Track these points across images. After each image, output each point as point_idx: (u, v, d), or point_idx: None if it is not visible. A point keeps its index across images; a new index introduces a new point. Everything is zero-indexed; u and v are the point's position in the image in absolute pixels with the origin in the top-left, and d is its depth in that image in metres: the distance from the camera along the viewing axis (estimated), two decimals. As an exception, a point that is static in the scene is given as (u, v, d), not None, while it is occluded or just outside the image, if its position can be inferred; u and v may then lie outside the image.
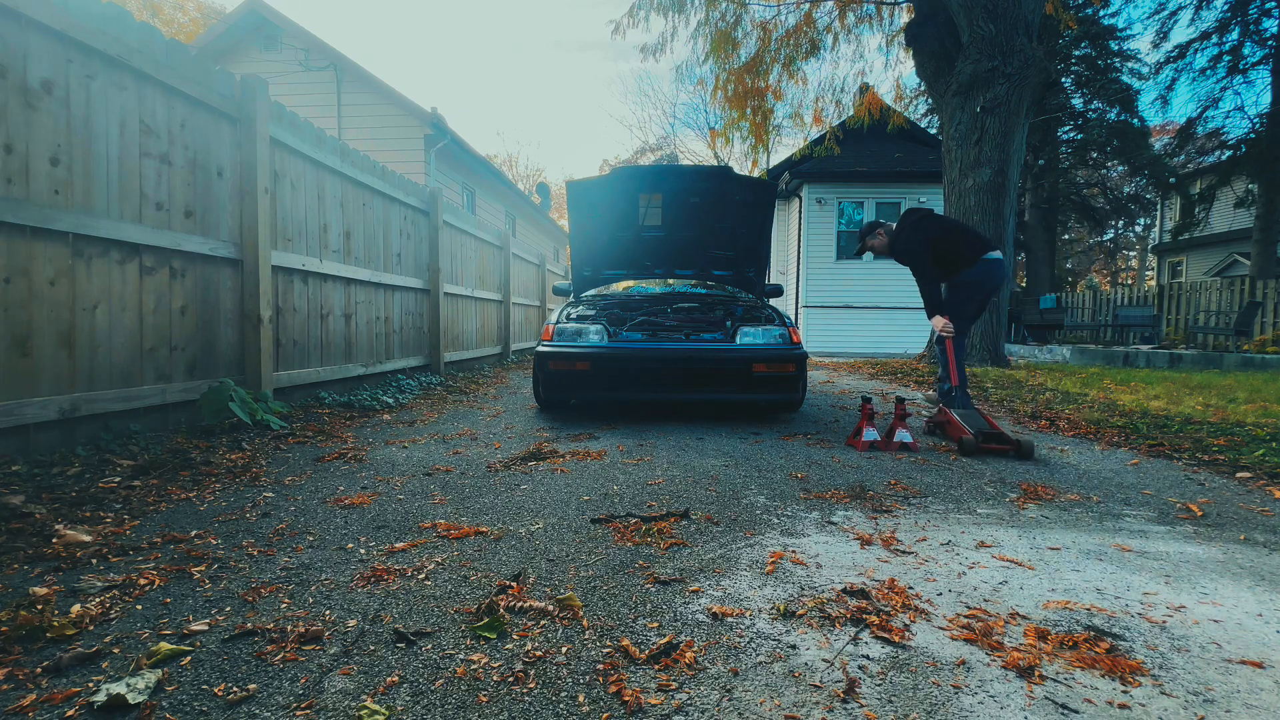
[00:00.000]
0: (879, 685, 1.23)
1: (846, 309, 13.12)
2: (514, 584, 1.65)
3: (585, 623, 1.47)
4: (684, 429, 4.11)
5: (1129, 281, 38.68)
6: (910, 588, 1.68)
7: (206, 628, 1.42)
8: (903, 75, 41.64)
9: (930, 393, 5.16)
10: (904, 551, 1.96)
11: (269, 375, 3.93)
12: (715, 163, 20.32)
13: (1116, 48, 19.34)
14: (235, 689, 1.19)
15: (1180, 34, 54.23)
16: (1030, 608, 1.58)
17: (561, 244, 22.16)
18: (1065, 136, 20.41)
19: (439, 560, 1.84)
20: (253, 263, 3.77)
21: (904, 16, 10.98)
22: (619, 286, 5.79)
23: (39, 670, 1.23)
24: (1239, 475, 3.02)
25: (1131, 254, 38.62)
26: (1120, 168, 22.49)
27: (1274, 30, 15.68)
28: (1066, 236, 27.43)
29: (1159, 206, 23.82)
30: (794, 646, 1.37)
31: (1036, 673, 1.27)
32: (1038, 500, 2.57)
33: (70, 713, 1.11)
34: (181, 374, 3.36)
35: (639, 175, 5.28)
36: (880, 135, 13.58)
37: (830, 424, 4.38)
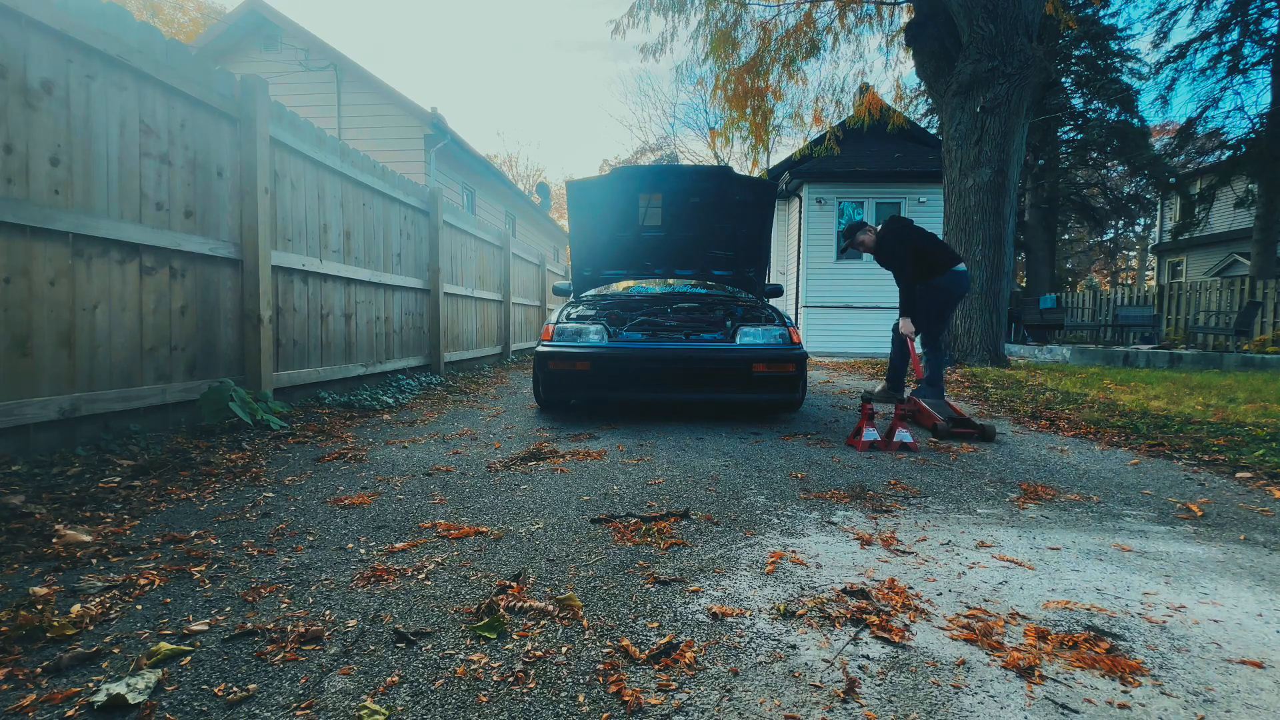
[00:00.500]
0: (879, 685, 1.23)
1: (846, 309, 13.11)
2: (514, 584, 1.65)
3: (585, 623, 1.47)
4: (684, 429, 4.11)
5: (1129, 281, 38.68)
6: (910, 588, 1.68)
7: (206, 628, 1.42)
8: (903, 75, 41.66)
9: (884, 384, 5.53)
10: (904, 551, 1.96)
11: (269, 375, 3.93)
12: (715, 163, 20.32)
13: (1116, 48, 19.33)
14: (235, 689, 1.19)
15: (1180, 34, 54.33)
16: (1030, 608, 1.58)
17: (561, 244, 22.16)
18: (1065, 136, 20.40)
19: (439, 560, 1.84)
20: (253, 263, 3.77)
21: (904, 16, 10.98)
22: (619, 286, 5.79)
23: (39, 670, 1.23)
24: (1239, 475, 3.02)
25: (1131, 254, 38.62)
26: (1120, 168, 22.49)
27: (1274, 30, 15.68)
28: (1066, 236, 27.42)
29: (1159, 206, 23.82)
30: (794, 646, 1.37)
31: (1036, 673, 1.27)
32: (1038, 500, 2.57)
33: (70, 713, 1.11)
34: (181, 374, 3.36)
35: (639, 175, 5.28)
36: (880, 135, 13.57)
37: (830, 424, 4.38)
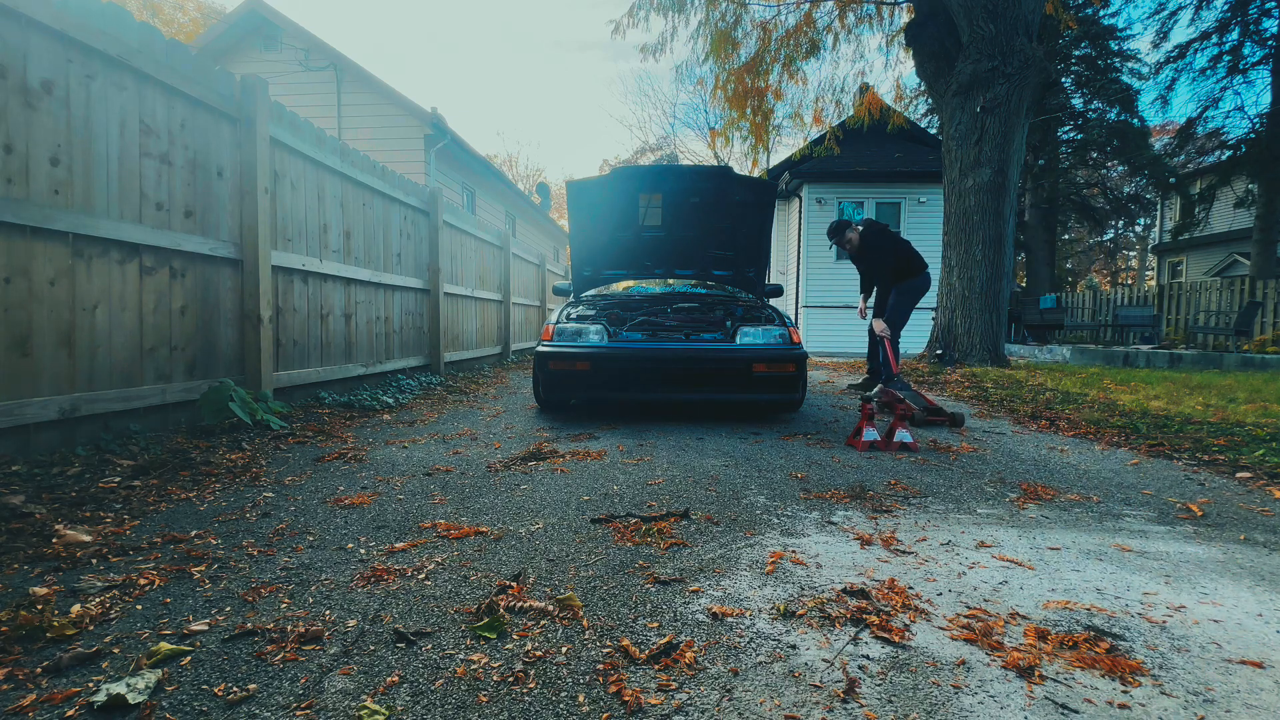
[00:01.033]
0: (879, 685, 1.23)
1: (846, 309, 13.10)
2: (514, 584, 1.65)
3: (585, 623, 1.47)
4: (684, 429, 4.11)
5: (1129, 281, 38.67)
6: (910, 588, 1.68)
7: (206, 628, 1.42)
8: (903, 75, 41.68)
9: (878, 385, 5.77)
10: (904, 551, 1.96)
11: (269, 375, 3.93)
12: (715, 163, 20.32)
13: (1116, 48, 19.33)
14: (235, 689, 1.19)
15: (1180, 34, 54.32)
16: (1030, 608, 1.58)
17: (561, 244, 22.16)
18: (1065, 136, 20.40)
19: (439, 560, 1.84)
20: (253, 263, 3.77)
21: (904, 16, 10.98)
22: (619, 286, 5.79)
23: (39, 670, 1.23)
24: (1239, 475, 3.02)
25: (1131, 254, 38.61)
26: (1120, 168, 22.47)
27: (1274, 30, 15.68)
28: (1066, 236, 27.41)
29: (1159, 206, 23.81)
30: (794, 646, 1.37)
31: (1036, 673, 1.27)
32: (1038, 500, 2.57)
33: (70, 713, 1.11)
34: (181, 374, 3.36)
35: (639, 175, 5.28)
36: (880, 135, 13.57)
37: (830, 424, 4.38)
